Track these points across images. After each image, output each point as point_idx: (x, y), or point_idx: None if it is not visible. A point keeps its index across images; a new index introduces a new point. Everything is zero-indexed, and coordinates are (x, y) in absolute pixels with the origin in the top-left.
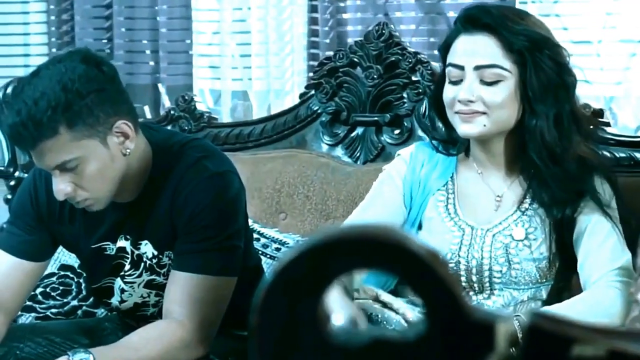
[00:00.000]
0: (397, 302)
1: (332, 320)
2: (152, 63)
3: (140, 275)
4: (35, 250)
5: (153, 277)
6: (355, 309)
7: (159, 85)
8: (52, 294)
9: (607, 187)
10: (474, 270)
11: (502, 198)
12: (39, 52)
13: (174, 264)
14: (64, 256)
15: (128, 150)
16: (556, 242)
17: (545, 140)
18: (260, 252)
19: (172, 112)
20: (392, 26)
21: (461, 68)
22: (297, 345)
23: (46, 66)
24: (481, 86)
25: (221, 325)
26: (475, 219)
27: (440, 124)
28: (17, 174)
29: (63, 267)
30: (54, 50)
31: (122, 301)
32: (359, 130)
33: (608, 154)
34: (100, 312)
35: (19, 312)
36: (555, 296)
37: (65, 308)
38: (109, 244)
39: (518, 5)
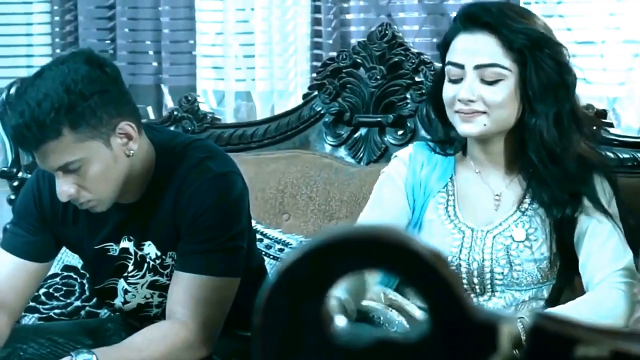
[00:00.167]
0: (409, 304)
1: (335, 321)
2: (155, 64)
3: (143, 276)
4: (38, 251)
5: (156, 277)
6: None
7: (162, 85)
8: (55, 294)
9: (607, 186)
10: (475, 273)
11: (501, 197)
12: (42, 52)
13: (177, 264)
14: (67, 257)
15: (131, 152)
16: (557, 242)
17: (544, 139)
18: (263, 253)
19: (175, 112)
20: (395, 27)
21: (461, 67)
22: (301, 346)
23: (49, 67)
24: (481, 85)
25: (224, 325)
26: (475, 220)
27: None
28: (20, 174)
29: (66, 267)
30: (57, 50)
31: (125, 302)
32: (362, 131)
33: (611, 155)
34: (104, 312)
35: (23, 313)
36: (557, 295)
37: (69, 309)
38: (112, 245)
39: (522, 5)
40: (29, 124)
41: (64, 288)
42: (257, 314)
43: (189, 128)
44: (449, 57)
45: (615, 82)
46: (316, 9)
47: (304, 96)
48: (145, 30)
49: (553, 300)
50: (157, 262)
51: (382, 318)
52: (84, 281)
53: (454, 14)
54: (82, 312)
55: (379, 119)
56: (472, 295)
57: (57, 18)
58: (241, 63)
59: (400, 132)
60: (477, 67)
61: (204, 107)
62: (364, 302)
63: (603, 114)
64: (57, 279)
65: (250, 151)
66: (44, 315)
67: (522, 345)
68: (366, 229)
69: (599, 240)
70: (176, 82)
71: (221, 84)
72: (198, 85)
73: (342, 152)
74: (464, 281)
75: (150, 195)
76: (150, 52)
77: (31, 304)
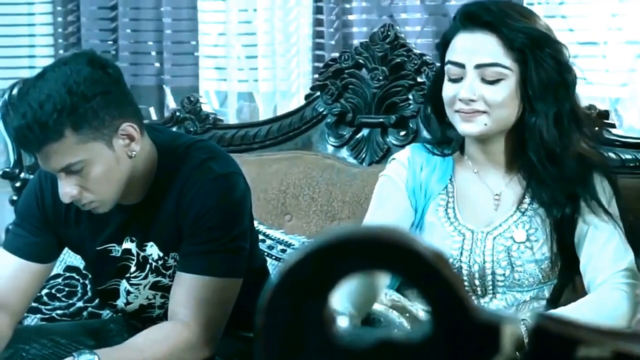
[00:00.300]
0: (411, 305)
1: (338, 321)
2: (157, 64)
3: (145, 277)
4: (41, 251)
5: (159, 278)
6: None
7: (164, 86)
8: (58, 295)
9: (607, 186)
10: (476, 275)
11: (501, 197)
12: (44, 53)
13: (179, 265)
14: (69, 257)
15: (134, 153)
16: (557, 242)
17: (544, 138)
18: (265, 254)
19: (177, 113)
20: (397, 28)
21: (461, 66)
22: (303, 347)
23: (51, 68)
24: (482, 85)
25: (227, 326)
26: (475, 221)
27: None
28: (22, 175)
29: (68, 268)
30: (60, 51)
31: (127, 303)
32: (365, 131)
33: (613, 156)
34: (106, 313)
35: (25, 314)
36: (558, 295)
37: (71, 309)
38: (114, 246)
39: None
40: (31, 125)
41: (67, 289)
42: (259, 314)
43: (191, 129)
44: (449, 56)
45: (618, 83)
46: (318, 10)
47: (306, 97)
48: (148, 31)
49: (554, 300)
50: (160, 263)
51: (383, 319)
52: (87, 282)
53: None
54: (85, 313)
55: (381, 120)
56: (474, 296)
57: (59, 19)
58: (244, 64)
59: (402, 133)
60: (478, 66)
61: (206, 108)
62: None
63: (605, 114)
64: (60, 280)
65: (253, 152)
66: (47, 316)
67: (524, 347)
68: (368, 230)
69: (600, 241)
70: (178, 82)
71: (224, 85)
72: (200, 86)
73: (344, 152)
74: (465, 283)
75: (152, 196)
76: (153, 53)
77: (33, 304)
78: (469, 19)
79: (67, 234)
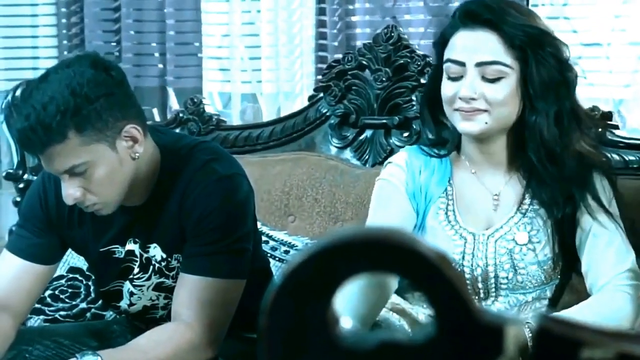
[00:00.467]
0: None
1: (341, 323)
2: (160, 66)
3: (149, 278)
4: (44, 253)
5: (162, 280)
6: None
7: (167, 87)
8: (61, 296)
9: (607, 185)
10: (479, 279)
11: (500, 197)
12: (48, 54)
13: (182, 266)
14: (72, 259)
15: (137, 154)
16: (559, 243)
17: (544, 138)
18: (269, 255)
19: (181, 114)
20: (400, 29)
21: (462, 64)
22: (306, 348)
23: (55, 70)
24: (483, 83)
25: (230, 327)
26: (475, 223)
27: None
28: (26, 176)
29: (72, 269)
30: (65, 53)
31: (131, 304)
32: (368, 132)
33: (617, 157)
34: (109, 314)
35: (28, 315)
36: (559, 294)
37: (74, 311)
38: (117, 247)
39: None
40: (35, 127)
41: (70, 290)
42: (262, 315)
43: (194, 130)
44: (448, 55)
45: (621, 84)
46: (321, 12)
47: (310, 98)
48: (151, 32)
49: (555, 299)
50: (163, 264)
51: (383, 322)
52: (90, 283)
53: None
54: (88, 314)
55: (385, 121)
56: (476, 299)
57: (63, 20)
58: (247, 65)
59: (405, 134)
60: (479, 64)
61: (209, 109)
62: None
63: (608, 116)
64: (63, 281)
65: (256, 153)
66: (50, 317)
67: (528, 350)
68: (371, 231)
69: (602, 242)
70: (182, 84)
71: (227, 86)
72: (204, 87)
73: (347, 154)
74: (468, 287)
75: (155, 198)
76: (156, 54)
77: (37, 305)
78: (469, 17)
79: (70, 235)
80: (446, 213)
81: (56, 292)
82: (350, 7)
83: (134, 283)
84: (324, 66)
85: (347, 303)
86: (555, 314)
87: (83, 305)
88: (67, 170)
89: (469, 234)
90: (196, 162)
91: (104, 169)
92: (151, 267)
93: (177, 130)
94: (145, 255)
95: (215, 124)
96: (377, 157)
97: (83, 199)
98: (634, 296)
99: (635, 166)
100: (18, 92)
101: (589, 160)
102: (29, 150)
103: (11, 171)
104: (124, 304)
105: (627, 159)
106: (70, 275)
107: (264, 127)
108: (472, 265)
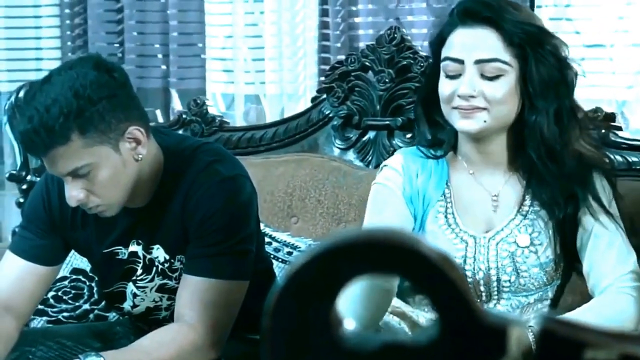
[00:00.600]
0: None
1: (344, 324)
2: (163, 67)
3: (152, 280)
4: (47, 254)
5: (165, 281)
6: None
7: (170, 89)
8: (64, 297)
9: (607, 185)
10: (481, 282)
11: (499, 197)
12: (51, 56)
13: (185, 268)
14: (75, 260)
15: (140, 156)
16: (560, 244)
17: (544, 136)
18: (272, 256)
19: (184, 116)
20: (403, 30)
21: (460, 62)
22: (309, 349)
23: (57, 72)
24: (482, 81)
25: (233, 328)
26: (474, 225)
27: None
28: (29, 178)
29: (75, 270)
30: (68, 54)
31: (134, 306)
32: (371, 134)
33: (620, 158)
34: (112, 315)
35: (31, 316)
36: (560, 294)
37: (77, 312)
38: (120, 249)
39: (534, 10)
40: (38, 129)
41: (73, 291)
42: (265, 317)
43: (197, 131)
44: (446, 53)
45: (624, 86)
46: (324, 13)
47: (313, 99)
48: (154, 33)
49: (556, 300)
50: (166, 265)
51: (383, 325)
52: (93, 284)
53: None
54: (91, 315)
55: (388, 122)
56: (478, 302)
57: (66, 21)
58: (250, 66)
59: (408, 136)
60: (478, 62)
61: (212, 111)
62: None
63: (612, 117)
64: (66, 282)
65: (259, 154)
66: (53, 319)
67: (531, 352)
68: (374, 233)
69: (603, 243)
70: (185, 85)
71: (230, 87)
72: (207, 88)
73: (350, 155)
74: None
75: (158, 199)
76: (159, 56)
77: (40, 307)
78: (467, 15)
79: (73, 236)
80: (446, 216)
81: (59, 293)
82: (353, 8)
83: (137, 284)
84: (327, 67)
85: (350, 307)
86: (559, 316)
87: (86, 306)
88: (70, 172)
89: (470, 237)
90: (199, 163)
91: (107, 171)
92: (154, 268)
93: (180, 132)
94: (148, 256)
95: (218, 125)
96: (380, 158)
97: (86, 201)
98: (638, 298)
99: (638, 167)
100: (21, 94)
101: (589, 160)
102: (32, 152)
103: (14, 172)
104: (127, 305)
105: (630, 160)
106: (74, 277)
107: (267, 129)
108: (474, 268)
